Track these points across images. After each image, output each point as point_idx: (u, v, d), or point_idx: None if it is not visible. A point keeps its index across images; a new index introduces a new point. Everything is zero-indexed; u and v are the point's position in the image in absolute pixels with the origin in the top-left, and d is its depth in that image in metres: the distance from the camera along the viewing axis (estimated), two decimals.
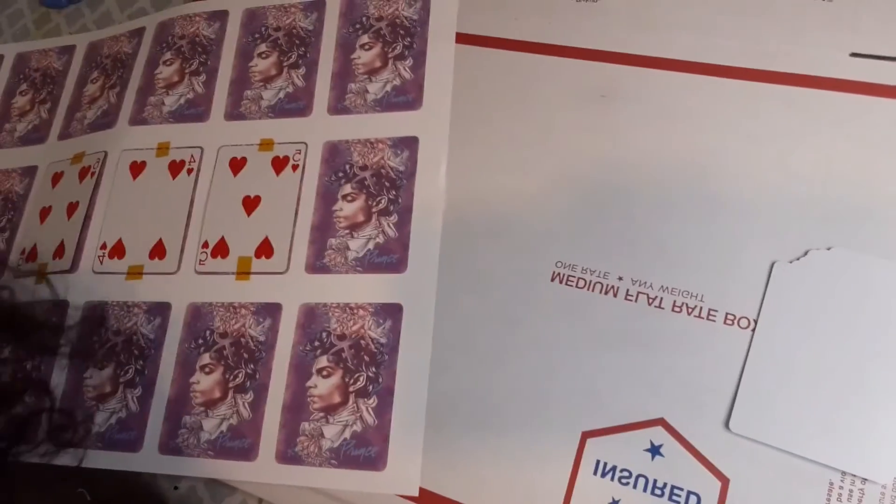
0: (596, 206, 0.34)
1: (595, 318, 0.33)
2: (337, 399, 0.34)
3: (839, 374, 0.29)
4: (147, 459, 0.35)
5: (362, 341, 0.34)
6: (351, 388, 0.34)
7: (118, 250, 0.40)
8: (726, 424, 0.30)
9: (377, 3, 0.42)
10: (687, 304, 0.32)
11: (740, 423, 0.29)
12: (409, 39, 0.40)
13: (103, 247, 0.40)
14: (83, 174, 0.42)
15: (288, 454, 0.33)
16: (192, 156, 0.41)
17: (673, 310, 0.32)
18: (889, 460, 0.28)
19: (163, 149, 0.42)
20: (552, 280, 0.34)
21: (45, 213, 0.43)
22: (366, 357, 0.34)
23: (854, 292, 0.30)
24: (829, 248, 0.31)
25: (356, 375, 0.34)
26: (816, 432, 0.29)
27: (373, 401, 0.33)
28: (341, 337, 0.35)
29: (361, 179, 0.38)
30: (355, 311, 0.35)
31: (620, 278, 0.33)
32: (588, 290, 0.33)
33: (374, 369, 0.34)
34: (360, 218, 0.37)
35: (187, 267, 0.38)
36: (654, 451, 0.30)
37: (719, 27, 0.36)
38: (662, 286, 0.32)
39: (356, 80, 0.40)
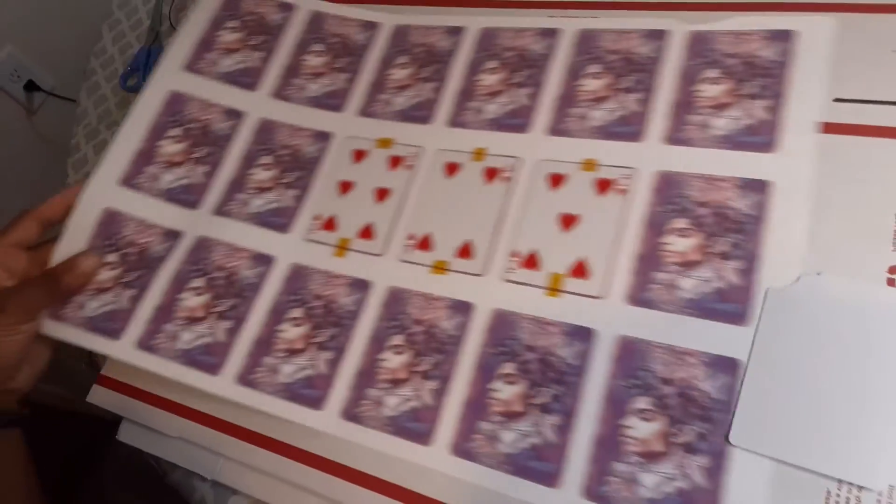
0: None
1: None
2: (658, 448, 0.31)
3: (834, 385, 0.30)
4: (437, 456, 0.34)
5: (691, 391, 0.32)
6: (676, 440, 0.31)
7: (425, 244, 0.40)
8: (726, 437, 0.31)
9: (729, 39, 0.40)
10: None
11: (740, 435, 0.30)
12: (766, 80, 0.37)
13: (411, 237, 0.41)
14: (395, 162, 0.44)
15: (597, 492, 0.31)
16: (509, 165, 0.41)
17: None
18: (885, 468, 0.29)
19: (480, 154, 0.42)
20: None
21: (345, 186, 0.44)
22: (695, 410, 0.31)
23: (843, 312, 0.32)
24: (818, 274, 0.33)
25: (682, 427, 0.31)
26: (812, 442, 0.30)
27: (704, 460, 0.30)
28: (666, 381, 0.32)
29: (699, 216, 0.36)
30: (683, 356, 0.33)
31: None
32: None
33: (705, 425, 0.31)
34: (695, 257, 0.35)
35: (494, 273, 0.38)
36: None
37: None
38: None
39: (698, 113, 0.38)
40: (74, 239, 0.44)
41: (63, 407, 0.87)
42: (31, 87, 1.02)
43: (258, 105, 0.48)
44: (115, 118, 0.56)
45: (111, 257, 0.43)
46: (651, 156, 0.38)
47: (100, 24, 0.63)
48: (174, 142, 0.47)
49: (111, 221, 0.44)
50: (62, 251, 0.43)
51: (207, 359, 0.40)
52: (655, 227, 0.36)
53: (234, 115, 0.48)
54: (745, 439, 0.30)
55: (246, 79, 0.49)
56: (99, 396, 0.43)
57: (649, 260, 0.35)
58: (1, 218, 0.43)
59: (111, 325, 0.41)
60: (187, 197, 0.45)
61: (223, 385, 0.39)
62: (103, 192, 0.45)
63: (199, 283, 0.42)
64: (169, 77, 0.49)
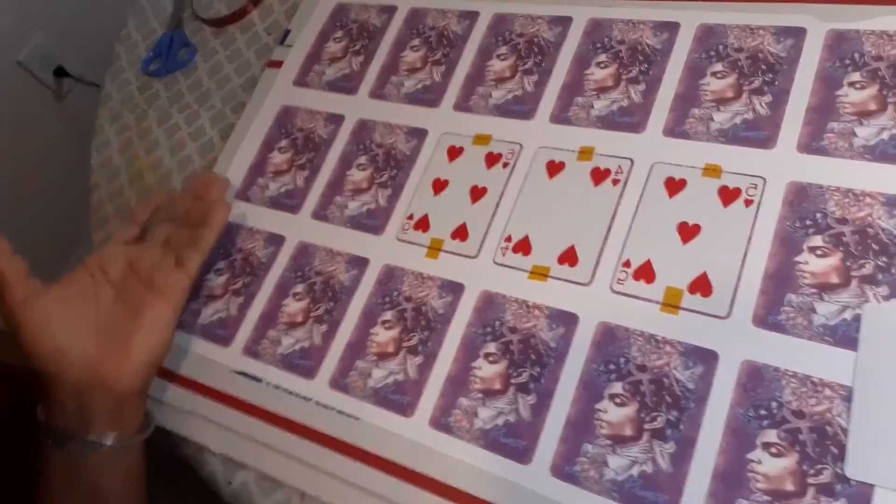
0: None
1: None
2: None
3: None
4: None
5: (828, 427, 0.29)
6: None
7: (523, 247, 0.38)
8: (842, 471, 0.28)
9: (873, 40, 0.36)
10: None
11: (857, 468, 0.28)
12: None
13: (508, 239, 0.39)
14: (491, 160, 0.41)
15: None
16: (619, 167, 0.38)
17: None
18: None
19: (586, 153, 0.39)
20: None
21: (439, 185, 0.42)
22: (825, 444, 0.28)
23: None
24: None
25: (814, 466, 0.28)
26: None
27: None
28: (798, 415, 0.29)
29: (839, 234, 0.32)
30: (820, 388, 0.29)
31: None
32: None
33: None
34: (835, 279, 0.31)
35: (602, 282, 0.35)
36: None
37: None
38: None
39: (840, 121, 0.35)
40: None
41: None
42: (60, 73, 1.02)
43: (357, 107, 0.47)
44: (136, 101, 0.58)
45: (220, 263, 0.44)
46: (783, 165, 0.35)
47: (125, 11, 0.64)
48: (281, 152, 0.47)
49: (226, 232, 0.45)
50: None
51: (305, 363, 0.39)
52: (789, 244, 0.33)
53: (335, 119, 0.47)
54: (863, 472, 0.28)
55: (347, 84, 0.48)
56: None
57: (781, 280, 0.32)
58: (28, 198, 0.42)
59: (223, 332, 0.42)
60: (289, 202, 0.45)
61: (317, 390, 0.38)
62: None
63: (299, 288, 0.41)
64: (281, 93, 0.49)
